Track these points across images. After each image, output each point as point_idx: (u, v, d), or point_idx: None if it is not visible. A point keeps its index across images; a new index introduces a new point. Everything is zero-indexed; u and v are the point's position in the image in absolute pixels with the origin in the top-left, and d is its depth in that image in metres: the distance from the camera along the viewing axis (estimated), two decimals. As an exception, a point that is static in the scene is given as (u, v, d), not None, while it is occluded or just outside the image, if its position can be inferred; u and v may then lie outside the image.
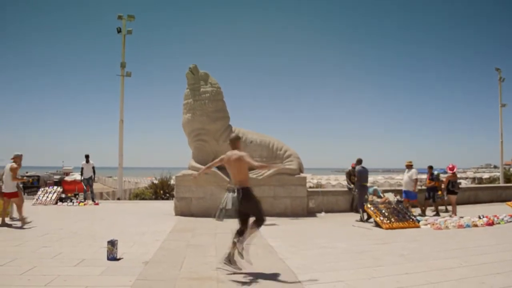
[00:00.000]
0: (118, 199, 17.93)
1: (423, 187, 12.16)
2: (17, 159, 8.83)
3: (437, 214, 10.97)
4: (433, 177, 11.57)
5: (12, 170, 8.64)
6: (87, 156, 14.22)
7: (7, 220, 8.93)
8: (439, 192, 11.40)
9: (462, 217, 9.56)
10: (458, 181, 12.11)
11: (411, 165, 11.10)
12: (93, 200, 13.86)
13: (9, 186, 8.68)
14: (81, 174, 14.36)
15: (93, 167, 14.26)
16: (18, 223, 8.72)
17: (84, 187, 14.34)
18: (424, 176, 12.76)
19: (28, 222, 8.68)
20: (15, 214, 9.29)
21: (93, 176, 14.34)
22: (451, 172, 11.40)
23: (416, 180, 10.97)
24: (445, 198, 11.48)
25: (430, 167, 11.80)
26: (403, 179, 11.57)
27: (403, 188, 11.35)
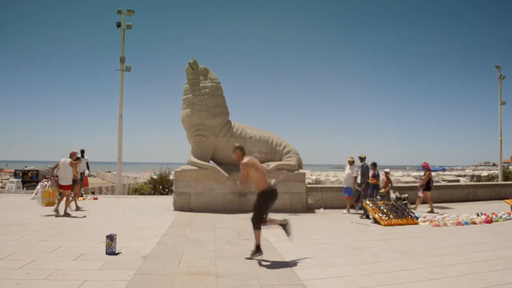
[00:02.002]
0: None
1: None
2: (74, 155, 10.05)
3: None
4: (375, 175, 11.05)
5: (73, 165, 9.81)
6: (82, 151, 14.24)
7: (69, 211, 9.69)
8: (382, 191, 10.97)
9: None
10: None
11: (353, 161, 10.97)
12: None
13: (68, 179, 9.68)
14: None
15: (87, 163, 14.27)
16: (77, 213, 9.74)
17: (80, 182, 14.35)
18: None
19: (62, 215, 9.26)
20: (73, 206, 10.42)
21: (86, 172, 14.36)
22: (428, 170, 11.42)
23: (356, 177, 10.88)
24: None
25: (374, 164, 11.22)
26: (343, 176, 11.52)
27: (343, 185, 11.23)
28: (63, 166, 9.70)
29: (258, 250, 5.47)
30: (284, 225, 5.62)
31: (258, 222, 5.48)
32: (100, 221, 8.64)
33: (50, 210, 9.41)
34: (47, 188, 9.66)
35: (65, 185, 9.65)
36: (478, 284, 4.44)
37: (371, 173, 11.15)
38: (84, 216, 9.39)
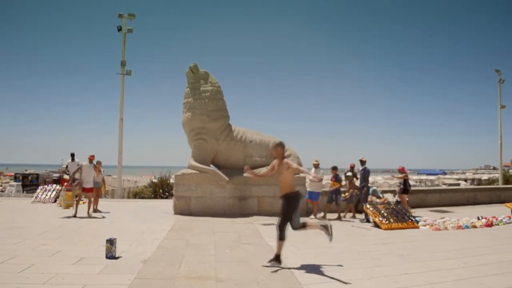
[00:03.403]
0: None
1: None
2: (93, 158, 10.46)
3: (339, 218, 10.43)
4: (337, 179, 10.90)
5: (96, 168, 10.55)
6: (72, 155, 14.25)
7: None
8: (345, 195, 10.90)
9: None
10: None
11: (318, 165, 10.92)
12: None
13: (91, 181, 10.28)
14: (67, 173, 14.44)
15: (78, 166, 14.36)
16: (98, 214, 10.24)
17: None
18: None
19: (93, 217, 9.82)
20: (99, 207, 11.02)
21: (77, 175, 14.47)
22: (404, 172, 11.51)
23: (321, 179, 10.81)
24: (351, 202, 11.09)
25: (334, 168, 11.09)
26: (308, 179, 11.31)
27: (308, 189, 10.97)
28: (88, 169, 10.20)
29: (277, 259, 5.36)
30: (326, 227, 5.65)
31: (282, 230, 5.40)
32: (100, 225, 8.64)
33: (58, 213, 9.67)
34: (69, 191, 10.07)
35: (88, 188, 10.14)
36: (479, 288, 4.44)
37: (331, 177, 11.02)
38: (104, 217, 9.92)
